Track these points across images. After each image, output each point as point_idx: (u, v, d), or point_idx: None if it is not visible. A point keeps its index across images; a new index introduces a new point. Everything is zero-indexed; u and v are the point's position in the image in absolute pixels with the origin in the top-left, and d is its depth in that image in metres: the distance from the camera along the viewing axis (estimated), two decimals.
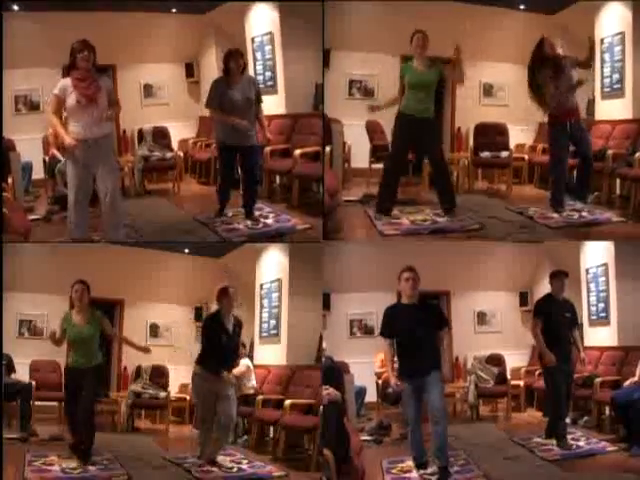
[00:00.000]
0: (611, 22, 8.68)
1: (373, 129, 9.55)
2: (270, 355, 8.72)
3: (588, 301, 8.96)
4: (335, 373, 6.68)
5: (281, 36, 8.91)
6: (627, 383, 7.16)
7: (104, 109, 6.01)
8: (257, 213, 7.39)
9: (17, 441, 7.15)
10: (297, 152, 8.10)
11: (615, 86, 8.60)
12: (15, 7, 8.84)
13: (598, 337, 8.71)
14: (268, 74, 9.14)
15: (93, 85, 5.99)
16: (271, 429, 7.74)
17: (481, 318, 10.13)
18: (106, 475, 6.07)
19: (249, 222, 7.20)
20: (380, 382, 8.41)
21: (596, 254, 8.83)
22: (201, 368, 6.46)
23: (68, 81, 5.99)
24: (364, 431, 7.28)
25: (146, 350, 6.77)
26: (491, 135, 9.33)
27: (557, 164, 7.35)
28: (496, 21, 9.65)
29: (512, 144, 9.41)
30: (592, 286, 8.93)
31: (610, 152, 8.09)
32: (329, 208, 6.92)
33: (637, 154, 7.76)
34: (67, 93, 5.96)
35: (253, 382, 8.22)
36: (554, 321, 6.67)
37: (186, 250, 9.65)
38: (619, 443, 6.76)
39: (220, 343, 6.39)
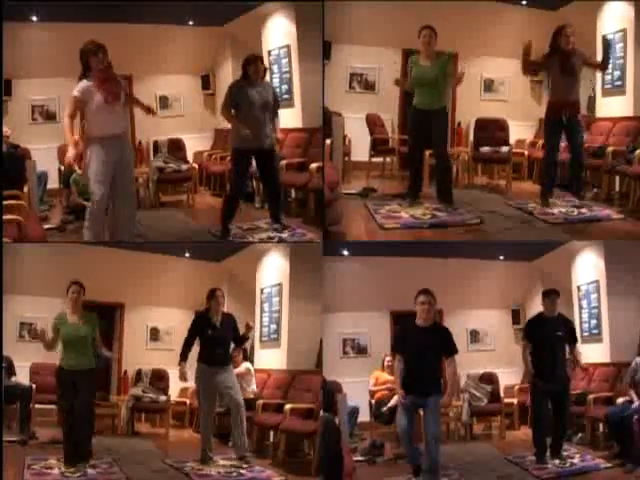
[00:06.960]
0: (613, 19, 8.72)
1: (373, 122, 9.59)
2: (270, 359, 8.71)
3: (580, 318, 8.90)
4: (327, 393, 6.61)
5: (298, 49, 8.88)
6: (620, 400, 7.06)
7: (124, 105, 6.14)
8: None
9: (17, 444, 7.14)
10: (313, 166, 7.96)
11: (616, 83, 8.63)
12: (34, 18, 8.90)
13: (591, 354, 8.62)
14: (284, 87, 9.10)
15: (116, 83, 6.07)
16: (271, 433, 7.73)
17: (474, 336, 10.03)
18: (105, 479, 6.06)
19: (283, 234, 7.17)
20: (374, 401, 8.24)
21: (587, 271, 8.81)
22: (199, 363, 6.75)
23: (89, 83, 5.97)
24: (357, 451, 7.18)
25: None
26: (491, 130, 9.37)
27: (546, 156, 7.43)
28: (498, 16, 9.67)
29: (512, 139, 9.44)
30: (584, 303, 8.88)
31: (610, 149, 8.13)
32: (329, 200, 6.90)
33: (637, 151, 7.77)
34: (90, 94, 5.95)
35: (253, 386, 8.23)
36: (544, 340, 6.60)
37: (187, 254, 9.65)
38: (613, 459, 6.71)
39: (206, 336, 6.69)
